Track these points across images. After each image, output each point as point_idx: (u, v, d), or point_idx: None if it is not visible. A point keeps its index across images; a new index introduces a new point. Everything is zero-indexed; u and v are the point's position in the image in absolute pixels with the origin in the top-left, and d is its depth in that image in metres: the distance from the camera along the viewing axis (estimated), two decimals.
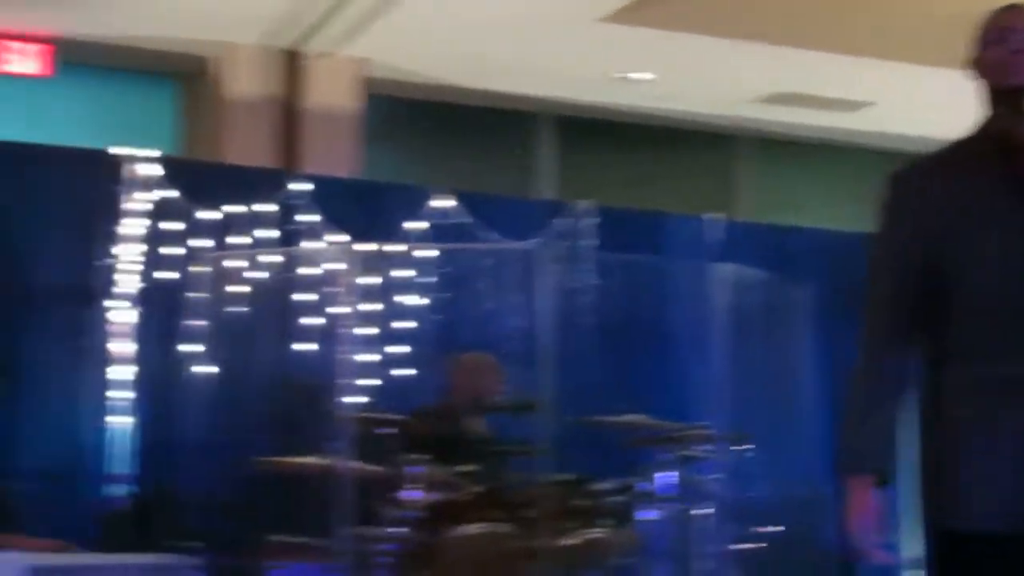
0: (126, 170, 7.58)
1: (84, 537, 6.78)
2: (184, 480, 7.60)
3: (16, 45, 8.48)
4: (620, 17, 8.66)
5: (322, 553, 6.36)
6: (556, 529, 6.36)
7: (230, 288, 7.66)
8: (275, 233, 7.80)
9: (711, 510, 7.02)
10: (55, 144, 8.00)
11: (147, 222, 7.60)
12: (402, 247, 7.72)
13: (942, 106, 7.12)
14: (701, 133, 11.46)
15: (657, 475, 6.89)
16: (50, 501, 7.11)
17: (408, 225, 8.03)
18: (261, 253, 7.69)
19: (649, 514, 6.88)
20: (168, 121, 9.37)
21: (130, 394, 7.54)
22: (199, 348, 7.64)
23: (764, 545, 7.31)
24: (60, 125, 8.95)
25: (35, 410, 7.50)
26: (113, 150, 7.58)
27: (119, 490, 7.50)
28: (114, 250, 7.52)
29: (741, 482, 7.33)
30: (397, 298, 7.89)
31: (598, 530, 6.60)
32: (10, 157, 7.67)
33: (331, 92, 9.30)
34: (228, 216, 7.71)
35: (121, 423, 7.51)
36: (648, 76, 9.97)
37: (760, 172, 11.92)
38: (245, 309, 7.67)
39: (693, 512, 6.97)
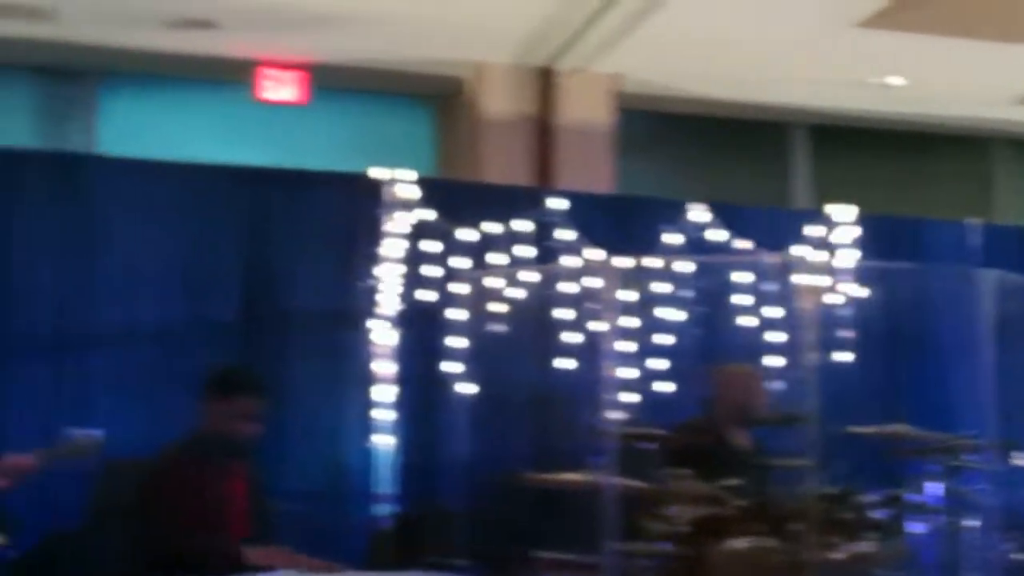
0: (386, 192, 7.78)
1: (350, 556, 6.95)
2: (448, 497, 7.75)
3: (273, 72, 8.78)
4: (874, 22, 8.55)
5: (588, 569, 6.40)
6: (822, 543, 6.29)
7: (489, 306, 7.78)
8: (532, 250, 7.90)
9: (980, 522, 6.86)
10: (315, 169, 8.24)
11: (406, 243, 7.78)
12: (659, 261, 7.74)
13: None
14: (956, 137, 11.23)
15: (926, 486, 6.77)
16: (317, 520, 7.28)
17: (664, 238, 8.05)
18: (519, 271, 7.79)
19: (917, 527, 6.76)
20: (424, 142, 9.59)
21: (392, 413, 7.72)
22: (459, 367, 7.78)
23: None
24: (316, 151, 9.23)
25: (301, 431, 7.74)
26: (373, 172, 7.79)
27: (383, 509, 7.67)
28: (375, 271, 7.72)
29: (1010, 492, 7.15)
30: (656, 312, 7.92)
31: (865, 543, 6.50)
32: (271, 182, 7.95)
33: (584, 108, 9.39)
34: (485, 235, 7.84)
35: (384, 442, 7.69)
36: (900, 81, 9.82)
37: (1018, 174, 11.62)
38: (504, 327, 7.78)
39: (962, 524, 6.82)
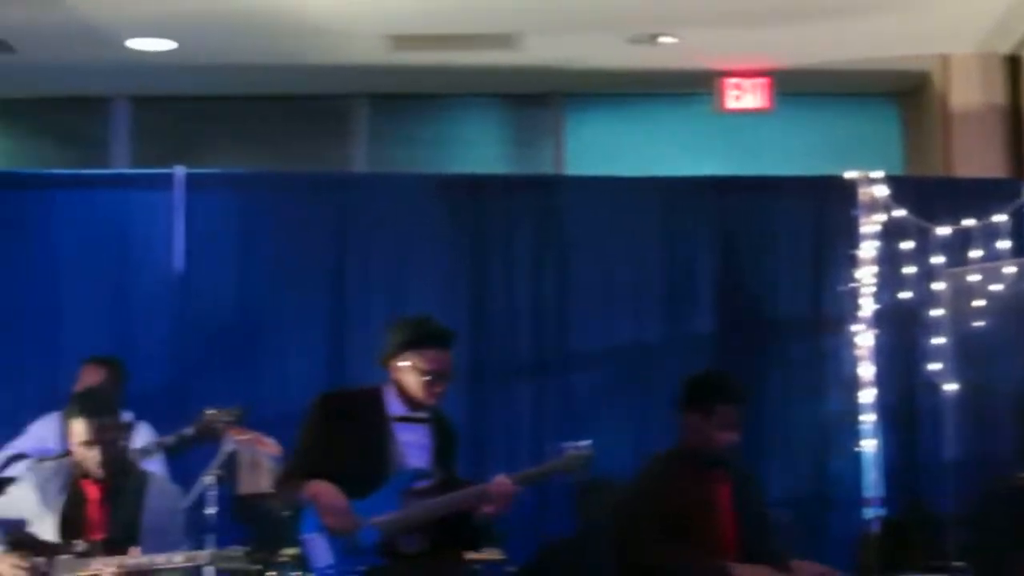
0: (860, 193, 7.82)
1: (837, 563, 6.94)
2: (935, 500, 7.69)
3: (736, 81, 8.90)
4: None
5: None
6: None
7: (968, 303, 7.68)
8: (1008, 244, 7.75)
9: None
10: (783, 174, 8.34)
11: (880, 243, 7.79)
12: None
13: None
14: None
15: None
16: (802, 528, 7.34)
17: None
18: (998, 265, 7.67)
19: None
20: (891, 140, 9.52)
21: (873, 417, 7.72)
22: (941, 366, 7.71)
23: None
24: (779, 156, 9.29)
25: (782, 439, 7.84)
26: (845, 174, 7.84)
27: (871, 513, 7.67)
28: (853, 274, 7.76)
29: None
30: None
31: None
32: (742, 190, 8.12)
33: None
34: (961, 230, 7.76)
35: (868, 446, 7.70)
36: None
37: None
38: (985, 324, 7.67)
39: None
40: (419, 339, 5.41)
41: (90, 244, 7.86)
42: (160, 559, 5.38)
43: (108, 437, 5.54)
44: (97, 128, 9.25)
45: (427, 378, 5.35)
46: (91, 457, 5.53)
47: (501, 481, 5.29)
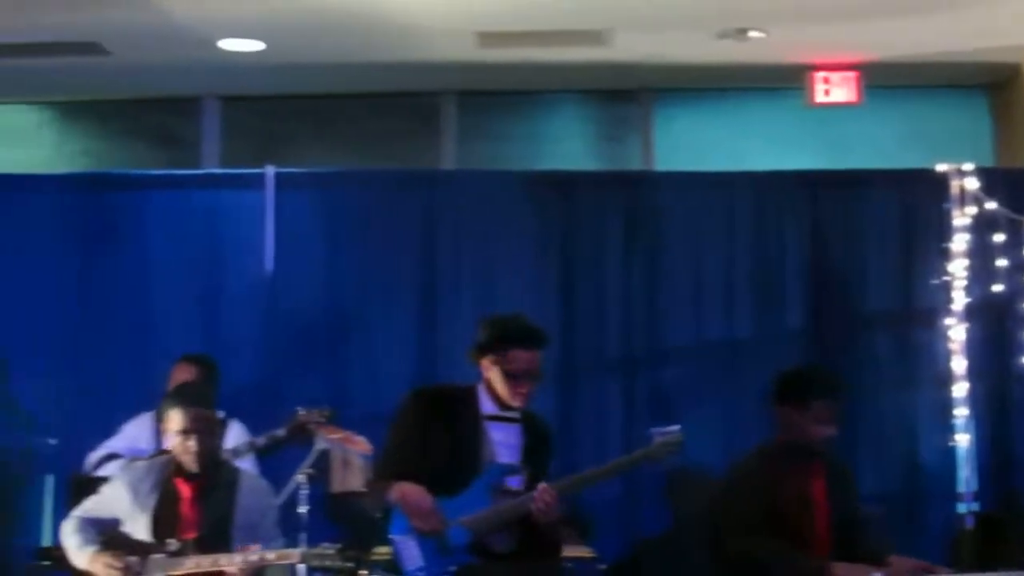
0: (951, 186, 7.76)
1: (932, 557, 6.89)
2: None
3: (825, 75, 8.84)
4: None
5: None
6: None
7: None
8: None
9: None
10: (874, 168, 8.28)
11: (971, 236, 7.73)
12: None
13: None
14: None
15: None
16: (896, 522, 7.30)
17: None
18: None
19: None
20: (980, 132, 9.41)
21: (966, 410, 7.65)
22: None
23: None
24: (868, 150, 9.21)
25: (876, 433, 7.79)
26: (939, 167, 7.78)
27: (964, 508, 7.61)
28: (945, 267, 7.70)
29: None
30: None
31: None
32: (832, 185, 8.13)
33: None
34: None
35: (961, 440, 7.63)
36: None
37: None
38: None
39: None
40: (505, 339, 5.43)
41: (181, 244, 7.96)
42: (253, 557, 5.44)
43: (204, 427, 5.60)
44: (188, 128, 9.34)
45: (512, 378, 5.37)
46: (188, 447, 5.58)
47: (543, 489, 5.30)
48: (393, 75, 8.89)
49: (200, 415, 5.58)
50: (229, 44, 8.29)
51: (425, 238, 7.97)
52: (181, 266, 7.93)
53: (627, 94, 9.58)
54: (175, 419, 5.61)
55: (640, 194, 8.19)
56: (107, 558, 5.54)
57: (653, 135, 9.55)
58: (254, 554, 5.44)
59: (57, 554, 6.94)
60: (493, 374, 5.41)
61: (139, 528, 5.60)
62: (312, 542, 5.75)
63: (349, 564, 5.42)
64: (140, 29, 8.03)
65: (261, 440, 6.92)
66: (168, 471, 5.65)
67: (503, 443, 5.44)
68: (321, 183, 8.01)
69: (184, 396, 5.69)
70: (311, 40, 8.25)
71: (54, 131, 9.72)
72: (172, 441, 5.64)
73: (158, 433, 7.22)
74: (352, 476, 6.66)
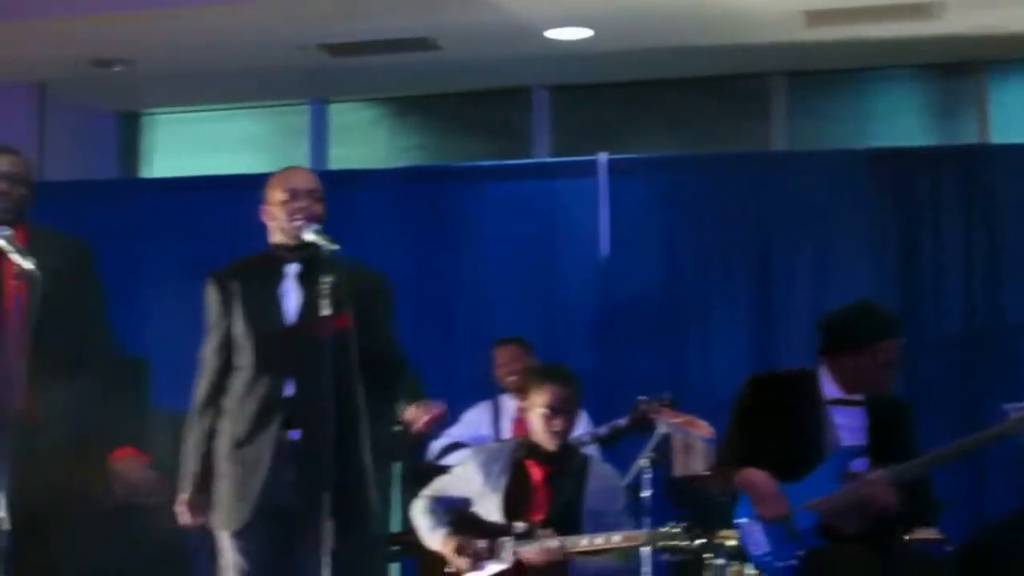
0: None
1: None
2: None
3: None
4: None
5: None
6: None
7: None
8: None
9: None
10: None
11: None
12: None
13: None
14: None
15: None
16: None
17: None
18: None
19: None
20: None
21: None
22: None
23: None
24: None
25: None
26: None
27: None
28: None
29: None
30: None
31: None
32: None
33: None
34: None
35: None
36: None
37: None
38: None
39: None
40: (862, 333, 5.36)
41: (516, 233, 8.11)
42: (599, 539, 5.52)
43: (570, 408, 5.71)
44: (518, 119, 9.51)
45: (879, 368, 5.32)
46: (552, 425, 5.68)
47: (875, 477, 5.22)
48: (721, 58, 8.87)
49: (567, 395, 5.69)
50: (557, 33, 8.41)
51: (759, 220, 7.94)
52: (517, 255, 8.07)
53: (959, 67, 9.35)
54: (543, 395, 5.71)
55: (977, 169, 7.99)
56: (458, 541, 5.71)
57: (988, 108, 9.30)
58: (600, 536, 5.53)
59: (405, 539, 7.18)
60: (843, 361, 5.35)
61: (490, 509, 5.74)
62: (656, 526, 5.80)
63: (696, 544, 5.45)
64: (470, 23, 8.22)
65: (603, 430, 6.99)
66: (520, 453, 5.78)
67: (847, 426, 5.39)
68: (654, 169, 8.05)
69: (555, 374, 5.80)
70: (639, 26, 8.30)
71: (387, 128, 10.03)
72: (535, 418, 5.74)
73: (497, 420, 7.41)
74: (694, 460, 6.67)
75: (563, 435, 5.70)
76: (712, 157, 8.25)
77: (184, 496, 4.94)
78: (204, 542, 5.34)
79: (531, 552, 5.52)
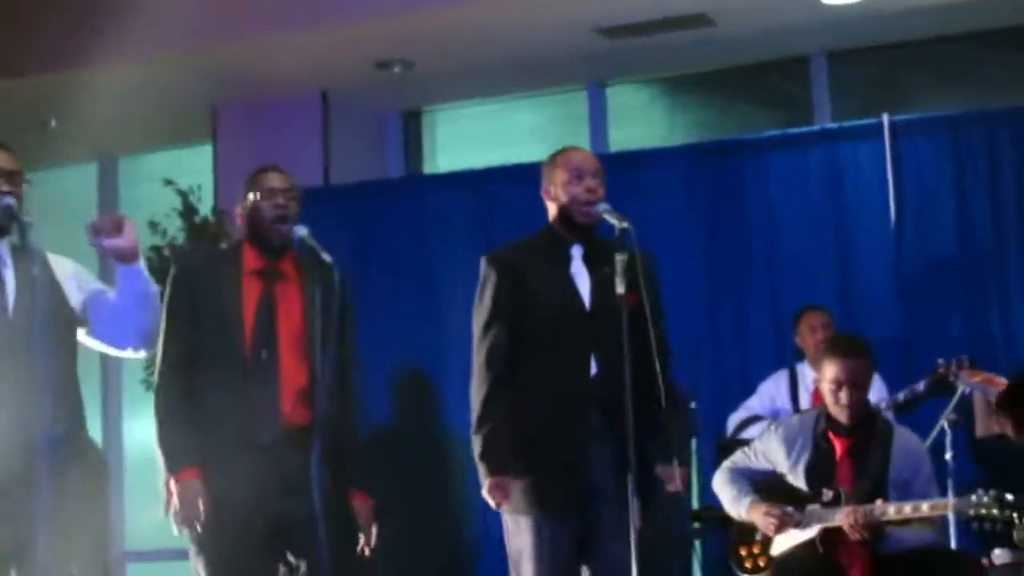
0: None
1: None
2: None
3: None
4: None
5: None
6: None
7: None
8: None
9: None
10: None
11: None
12: None
13: None
14: None
15: None
16: None
17: None
18: None
19: None
20: None
21: None
22: None
23: None
24: None
25: None
26: None
27: None
28: None
29: None
30: None
31: None
32: None
33: None
34: None
35: None
36: None
37: None
38: None
39: None
40: None
41: (804, 201, 8.03)
42: (907, 507, 5.46)
43: (857, 380, 5.65)
44: (798, 89, 9.40)
45: None
46: (839, 399, 5.65)
47: None
48: (999, 9, 8.62)
49: (853, 367, 5.64)
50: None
51: None
52: (806, 223, 7.99)
53: None
54: (829, 370, 5.69)
55: None
56: (766, 507, 5.71)
57: None
58: (908, 505, 5.46)
59: (707, 515, 7.22)
60: None
61: (794, 483, 5.74)
62: (959, 489, 5.71)
63: (1008, 512, 5.34)
64: None
65: (901, 396, 6.91)
66: (821, 425, 5.75)
67: None
68: (940, 127, 7.87)
69: (841, 347, 5.76)
70: None
71: (665, 107, 10.04)
72: (825, 392, 5.72)
73: (795, 390, 7.37)
74: (997, 418, 6.52)
75: (853, 408, 5.65)
76: (999, 112, 8.00)
77: (493, 480, 5.00)
78: None
79: (847, 518, 5.47)
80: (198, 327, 4.94)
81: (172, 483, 4.86)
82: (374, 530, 5.07)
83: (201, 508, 4.80)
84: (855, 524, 5.43)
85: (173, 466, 4.86)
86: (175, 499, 4.84)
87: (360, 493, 5.07)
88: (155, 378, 5.03)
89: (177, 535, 4.96)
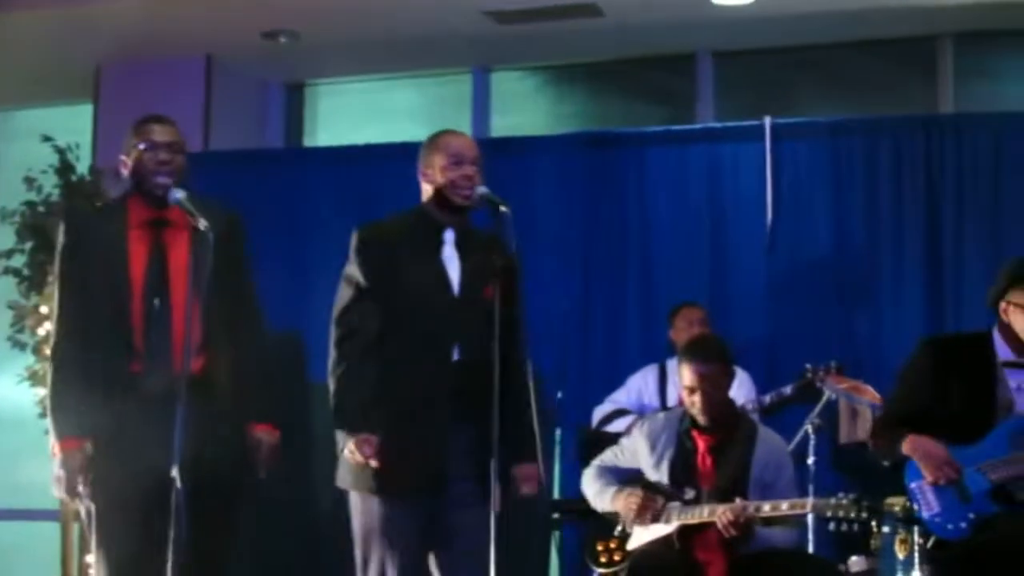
0: None
1: None
2: None
3: None
4: None
5: None
6: None
7: None
8: None
9: None
10: None
11: None
12: None
13: None
14: None
15: None
16: None
17: None
18: None
19: None
20: None
21: None
22: None
23: None
24: None
25: None
26: None
27: None
28: None
29: None
30: None
31: None
32: None
33: None
34: None
35: None
36: None
37: None
38: None
39: None
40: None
41: (682, 198, 8.07)
42: (766, 507, 5.50)
43: (709, 384, 5.68)
44: (682, 85, 9.45)
45: None
46: (693, 402, 5.69)
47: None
48: (885, 20, 8.73)
49: (705, 372, 5.67)
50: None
51: (928, 185, 7.78)
52: (683, 220, 8.04)
53: None
54: (684, 375, 5.73)
55: None
56: (628, 490, 5.73)
57: None
58: (767, 504, 5.50)
59: (567, 507, 7.23)
60: (1012, 316, 5.27)
61: (657, 479, 5.76)
62: (820, 493, 5.76)
63: (864, 515, 5.40)
64: None
65: (768, 398, 6.96)
66: (686, 423, 5.78)
67: (1021, 389, 5.29)
68: (820, 132, 7.95)
69: (694, 351, 5.79)
70: None
71: (549, 95, 10.02)
72: (683, 394, 5.77)
73: (663, 386, 7.40)
74: (861, 426, 6.61)
75: (708, 411, 5.68)
76: (880, 120, 8.10)
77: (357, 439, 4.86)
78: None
79: (722, 516, 5.48)
80: (90, 292, 4.90)
81: (56, 450, 4.83)
82: (271, 461, 5.02)
83: (79, 481, 4.79)
84: (729, 523, 5.44)
85: (59, 435, 4.85)
86: (57, 469, 4.82)
87: (264, 424, 5.01)
88: (50, 348, 5.01)
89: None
